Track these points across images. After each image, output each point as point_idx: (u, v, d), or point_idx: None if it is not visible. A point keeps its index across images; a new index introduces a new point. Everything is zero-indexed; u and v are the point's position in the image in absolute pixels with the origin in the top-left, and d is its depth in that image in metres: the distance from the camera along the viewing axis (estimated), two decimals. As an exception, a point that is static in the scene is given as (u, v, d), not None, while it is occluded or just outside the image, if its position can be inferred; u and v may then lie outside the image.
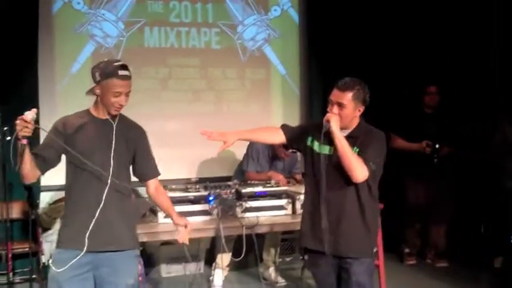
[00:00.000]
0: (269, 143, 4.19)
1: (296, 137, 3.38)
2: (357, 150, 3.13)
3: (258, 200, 4.43)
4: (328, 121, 3.08)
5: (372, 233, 3.26)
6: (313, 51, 6.52)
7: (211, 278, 5.14)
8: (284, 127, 3.44)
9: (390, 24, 6.40)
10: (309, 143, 3.30)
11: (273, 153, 5.28)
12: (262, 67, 6.55)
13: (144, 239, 4.30)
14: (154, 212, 4.29)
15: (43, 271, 4.94)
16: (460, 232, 5.91)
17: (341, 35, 6.38)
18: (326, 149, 3.18)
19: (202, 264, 5.60)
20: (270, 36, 6.55)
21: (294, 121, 6.28)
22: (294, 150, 5.12)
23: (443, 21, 6.21)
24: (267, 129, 3.55)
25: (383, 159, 3.19)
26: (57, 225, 5.11)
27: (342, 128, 3.13)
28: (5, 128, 3.99)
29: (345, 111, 3.11)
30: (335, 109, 3.12)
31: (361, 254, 3.20)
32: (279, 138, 3.40)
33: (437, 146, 5.58)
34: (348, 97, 3.10)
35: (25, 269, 4.72)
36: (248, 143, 5.34)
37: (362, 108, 3.17)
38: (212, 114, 6.32)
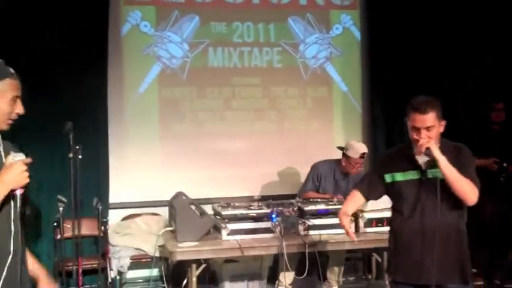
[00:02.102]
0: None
1: (373, 189, 3.26)
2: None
3: (320, 217, 4.43)
4: (428, 148, 2.90)
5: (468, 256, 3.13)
6: (375, 68, 6.46)
7: (274, 296, 5.16)
8: (359, 187, 3.35)
9: (454, 41, 6.29)
10: (388, 180, 3.17)
11: (339, 176, 5.25)
12: (324, 85, 6.56)
13: (208, 256, 4.38)
14: (218, 229, 4.36)
15: (111, 287, 5.09)
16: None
17: (403, 51, 6.31)
18: (412, 174, 3.07)
19: (265, 282, 5.60)
20: (331, 54, 6.56)
21: (356, 138, 6.25)
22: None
23: (508, 36, 6.06)
24: (353, 200, 3.37)
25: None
26: (125, 241, 5.29)
27: None
28: (77, 147, 4.16)
29: (434, 132, 2.96)
30: (423, 134, 2.94)
31: (466, 280, 3.07)
32: (361, 200, 3.35)
33: (505, 164, 5.43)
34: (432, 118, 2.94)
35: (93, 285, 4.85)
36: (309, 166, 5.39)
37: (444, 123, 3.03)
38: (274, 133, 6.38)
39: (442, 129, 3.02)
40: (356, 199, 3.34)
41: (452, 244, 3.01)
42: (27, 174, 2.10)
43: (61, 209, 4.33)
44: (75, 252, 4.28)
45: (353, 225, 4.41)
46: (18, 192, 2.10)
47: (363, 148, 5.12)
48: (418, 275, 3.01)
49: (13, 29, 5.32)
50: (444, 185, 2.93)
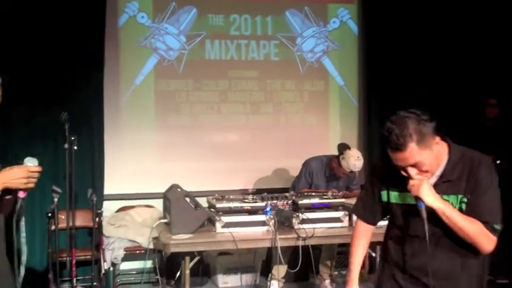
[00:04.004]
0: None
1: (375, 211, 2.63)
2: (465, 200, 2.33)
3: (314, 211, 4.42)
4: (417, 197, 2.28)
5: None
6: (372, 62, 6.47)
7: (267, 289, 5.17)
8: (362, 216, 2.70)
9: (450, 35, 6.29)
10: (384, 198, 2.55)
11: (330, 173, 5.27)
12: (321, 79, 6.56)
13: (202, 248, 4.39)
14: (212, 222, 4.36)
15: (104, 278, 5.10)
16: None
17: (400, 46, 6.31)
18: (410, 198, 2.37)
19: (258, 275, 5.62)
20: (328, 48, 6.56)
21: (352, 132, 6.27)
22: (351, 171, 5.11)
23: (504, 33, 6.06)
24: (360, 238, 2.68)
25: (499, 196, 2.37)
26: (119, 233, 5.30)
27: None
28: (73, 138, 4.15)
29: (424, 164, 2.28)
30: (412, 170, 2.30)
31: None
32: (370, 229, 2.69)
33: (498, 162, 5.43)
34: (413, 152, 2.24)
35: (87, 276, 4.86)
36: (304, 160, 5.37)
37: (436, 138, 2.31)
38: (270, 126, 6.39)
39: (436, 149, 2.31)
40: (364, 234, 2.68)
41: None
42: (30, 180, 2.23)
43: (55, 199, 4.32)
44: (69, 244, 4.28)
45: (346, 218, 4.42)
46: (21, 196, 2.25)
47: (356, 167, 5.06)
48: None
49: (9, 18, 5.30)
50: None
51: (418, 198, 2.29)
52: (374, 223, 2.69)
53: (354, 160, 5.06)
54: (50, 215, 4.43)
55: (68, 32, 5.54)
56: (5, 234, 2.36)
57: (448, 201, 2.33)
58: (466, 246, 2.33)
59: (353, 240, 2.72)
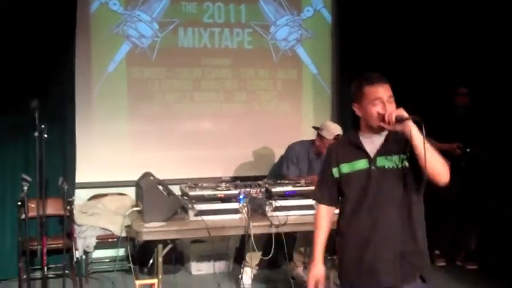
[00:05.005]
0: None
1: (332, 192, 2.83)
2: (405, 157, 2.61)
3: (287, 199, 4.45)
4: (400, 116, 2.50)
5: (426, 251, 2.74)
6: (345, 51, 6.49)
7: (240, 276, 5.18)
8: (319, 198, 2.91)
9: (423, 23, 6.34)
10: (336, 175, 2.77)
11: (312, 156, 5.27)
12: (294, 67, 6.57)
13: (175, 236, 4.39)
14: (185, 210, 4.35)
15: (76, 267, 5.06)
16: (491, 235, 5.83)
17: (373, 34, 6.35)
18: (360, 164, 2.68)
19: (231, 262, 5.65)
20: (302, 36, 6.57)
21: (325, 119, 6.29)
22: None
23: (473, 20, 6.14)
24: (321, 219, 2.87)
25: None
26: (91, 221, 5.26)
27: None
28: (42, 126, 4.10)
29: (393, 102, 2.63)
30: (388, 106, 2.59)
31: (424, 279, 2.68)
32: (331, 211, 2.89)
33: (468, 150, 5.53)
34: (390, 88, 2.65)
35: (58, 265, 4.82)
36: (287, 145, 5.37)
37: None
38: (244, 114, 6.39)
39: None
40: (326, 216, 2.87)
41: (408, 240, 2.63)
42: None
43: (25, 188, 4.26)
44: (40, 232, 4.24)
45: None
46: None
47: (337, 130, 5.10)
48: (370, 279, 2.65)
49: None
50: (394, 174, 2.62)
51: (398, 117, 2.50)
52: (332, 204, 2.88)
53: (332, 124, 5.17)
54: (19, 203, 4.37)
55: (39, 19, 5.44)
56: None
57: (392, 161, 2.64)
58: (412, 197, 2.63)
59: (315, 222, 2.90)
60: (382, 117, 2.59)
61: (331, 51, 6.66)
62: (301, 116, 6.59)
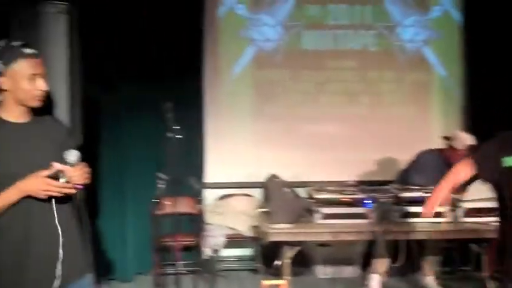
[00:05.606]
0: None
1: (488, 164, 2.74)
2: None
3: (417, 205, 4.32)
4: None
5: None
6: (476, 52, 6.17)
7: (367, 282, 5.09)
8: (473, 157, 2.84)
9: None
10: (506, 164, 2.64)
11: (443, 165, 5.04)
12: (421, 69, 6.36)
13: (301, 239, 4.40)
14: (311, 213, 4.36)
15: (206, 264, 5.21)
16: None
17: (505, 35, 5.99)
18: None
19: (357, 267, 5.56)
20: (429, 37, 6.35)
21: (454, 126, 6.03)
22: None
23: None
24: (456, 173, 2.92)
25: None
26: (221, 221, 5.41)
27: None
28: (177, 127, 4.26)
29: None
30: None
31: None
32: (467, 173, 2.84)
33: None
34: None
35: (189, 261, 4.98)
36: (412, 151, 5.21)
37: None
38: (368, 118, 6.27)
39: None
40: (460, 171, 2.87)
41: None
42: (49, 189, 2.16)
43: (161, 186, 4.46)
44: (174, 228, 4.40)
45: (451, 214, 4.29)
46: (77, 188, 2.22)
47: (469, 140, 4.85)
48: None
49: (109, 10, 5.48)
50: None
51: None
52: (478, 174, 2.76)
53: (463, 134, 4.90)
54: (156, 200, 4.58)
55: (169, 25, 5.65)
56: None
57: None
58: None
59: (448, 176, 2.93)
60: None
61: (461, 52, 6.37)
62: (427, 120, 6.35)
